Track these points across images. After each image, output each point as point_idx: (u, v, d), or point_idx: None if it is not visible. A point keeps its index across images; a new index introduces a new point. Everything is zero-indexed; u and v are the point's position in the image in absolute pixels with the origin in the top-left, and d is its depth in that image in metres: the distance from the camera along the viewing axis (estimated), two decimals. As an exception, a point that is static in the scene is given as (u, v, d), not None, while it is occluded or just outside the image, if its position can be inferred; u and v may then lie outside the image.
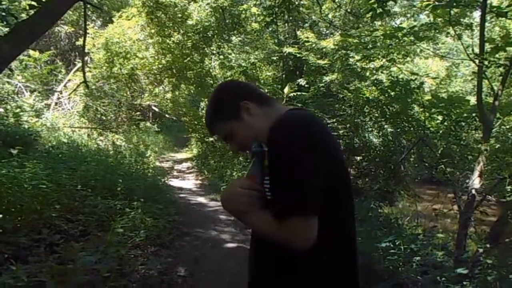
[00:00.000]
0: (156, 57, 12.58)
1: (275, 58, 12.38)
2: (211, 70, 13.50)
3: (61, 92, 13.46)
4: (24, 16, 8.63)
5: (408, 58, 11.17)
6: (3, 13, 5.50)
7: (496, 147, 6.57)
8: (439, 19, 6.54)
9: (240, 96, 1.41)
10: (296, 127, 1.24)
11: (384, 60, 8.99)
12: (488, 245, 4.40)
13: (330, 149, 1.28)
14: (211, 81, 13.20)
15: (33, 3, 3.39)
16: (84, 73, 6.05)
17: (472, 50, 5.55)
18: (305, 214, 1.18)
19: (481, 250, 4.25)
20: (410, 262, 3.82)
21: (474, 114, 6.01)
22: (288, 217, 1.19)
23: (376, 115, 8.96)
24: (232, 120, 1.39)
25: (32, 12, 3.83)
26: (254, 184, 1.30)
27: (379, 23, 10.40)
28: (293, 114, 1.34)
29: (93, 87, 12.89)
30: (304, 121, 1.29)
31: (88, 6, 5.75)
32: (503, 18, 5.63)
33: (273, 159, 1.24)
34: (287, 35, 12.48)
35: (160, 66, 12.71)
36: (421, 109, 6.82)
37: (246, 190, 1.30)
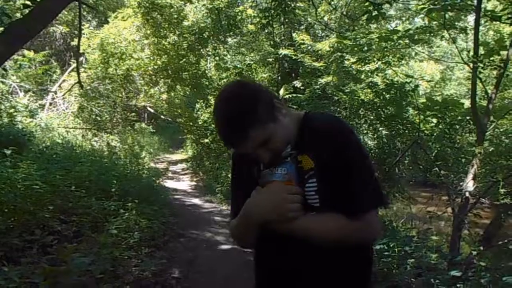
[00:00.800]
0: (151, 58, 12.54)
1: (270, 60, 12.40)
2: (206, 71, 13.50)
3: (55, 93, 13.37)
4: (18, 15, 8.58)
5: (403, 61, 11.21)
6: (-3, 13, 5.48)
7: (490, 150, 6.60)
8: (434, 23, 6.58)
9: (273, 95, 1.27)
10: (346, 126, 1.29)
11: (379, 62, 9.01)
12: (481, 248, 4.42)
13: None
14: (207, 82, 13.20)
15: (27, 2, 3.37)
16: (78, 74, 6.02)
17: (467, 53, 5.58)
18: (378, 206, 1.27)
19: (474, 253, 4.27)
20: (404, 264, 3.83)
21: (468, 117, 6.06)
22: (366, 212, 1.21)
23: (371, 117, 8.99)
24: (271, 122, 1.20)
25: (26, 11, 3.81)
26: (299, 189, 1.23)
27: (375, 25, 10.44)
28: (331, 115, 1.45)
29: (88, 87, 12.81)
30: (343, 120, 1.40)
31: (84, 6, 5.74)
32: (497, 22, 5.68)
33: (336, 161, 1.19)
34: (282, 37, 12.50)
35: (156, 67, 12.68)
36: (415, 112, 6.85)
37: (294, 195, 1.21)
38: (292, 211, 1.20)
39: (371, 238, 1.28)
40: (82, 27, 5.38)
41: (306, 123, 1.30)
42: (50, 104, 12.96)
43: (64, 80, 13.44)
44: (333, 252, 1.22)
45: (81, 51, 10.42)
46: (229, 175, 9.42)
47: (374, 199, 1.24)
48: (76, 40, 13.49)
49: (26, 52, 12.14)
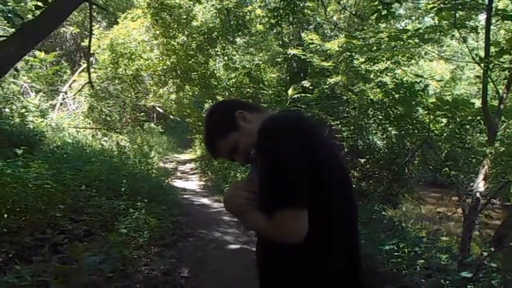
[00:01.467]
0: (160, 58, 12.61)
1: (279, 59, 12.40)
2: (215, 72, 13.52)
3: (66, 93, 13.51)
4: (30, 17, 8.69)
5: (413, 61, 11.16)
6: (9, 14, 5.55)
7: (501, 150, 6.53)
8: (444, 22, 6.52)
9: (233, 108, 1.48)
10: (270, 127, 1.31)
11: (388, 62, 8.97)
12: (492, 249, 4.37)
13: (308, 150, 1.27)
14: (216, 83, 13.23)
15: (39, 3, 3.41)
16: (89, 74, 6.08)
17: (477, 53, 5.52)
18: (292, 206, 1.23)
19: (485, 254, 4.22)
20: (414, 265, 3.81)
21: (478, 117, 5.99)
22: (276, 211, 1.24)
23: (380, 117, 8.94)
24: (232, 132, 1.44)
25: (38, 12, 3.85)
26: (252, 186, 1.37)
27: (384, 25, 10.38)
28: (278, 116, 1.46)
29: (98, 87, 12.93)
30: (286, 120, 1.35)
31: (94, 7, 5.78)
32: (509, 21, 5.62)
33: (259, 159, 1.31)
34: (291, 37, 12.48)
35: (165, 67, 12.74)
36: (425, 112, 6.80)
37: (244, 191, 1.38)
38: (239, 205, 1.38)
39: (283, 237, 1.26)
40: (92, 28, 5.43)
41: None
42: (61, 104, 13.10)
43: (74, 81, 13.57)
44: (272, 249, 1.34)
45: (91, 51, 10.51)
46: (237, 175, 9.46)
47: (283, 200, 1.23)
48: (86, 40, 13.64)
49: (37, 52, 12.28)
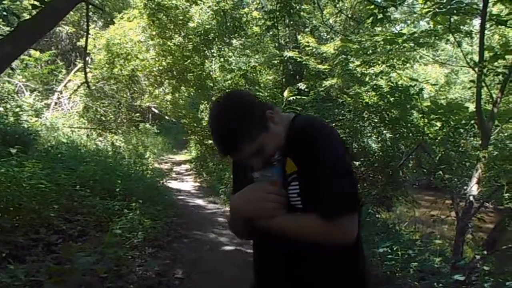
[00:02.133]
0: (156, 59, 12.59)
1: (275, 62, 12.41)
2: (211, 73, 13.52)
3: (61, 92, 13.46)
4: (25, 15, 8.65)
5: (408, 64, 11.22)
6: (4, 13, 5.52)
7: (494, 154, 6.57)
8: (439, 26, 6.58)
9: (264, 106, 1.34)
10: (321, 130, 1.30)
11: (384, 65, 9.02)
12: (485, 252, 4.40)
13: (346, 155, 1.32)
14: (211, 84, 13.22)
15: (36, 3, 3.40)
16: (85, 74, 6.06)
17: (471, 57, 5.58)
18: (352, 211, 1.24)
19: (478, 257, 4.26)
20: (408, 267, 3.83)
21: (472, 121, 6.03)
22: (339, 215, 1.22)
23: (375, 120, 8.98)
24: (261, 134, 1.28)
25: (34, 12, 3.84)
26: (281, 190, 1.30)
27: (380, 29, 10.45)
28: (316, 117, 1.44)
29: (93, 87, 12.89)
30: (328, 126, 1.37)
31: (90, 6, 5.77)
32: (503, 26, 5.67)
33: (310, 163, 1.24)
34: (287, 39, 12.53)
35: (161, 68, 12.73)
36: (420, 115, 6.84)
37: (273, 195, 1.30)
38: (268, 209, 1.29)
39: (341, 242, 1.26)
40: (89, 28, 5.43)
41: (291, 127, 1.35)
42: (56, 103, 13.05)
43: (69, 80, 13.53)
44: (318, 252, 1.27)
45: (87, 51, 10.48)
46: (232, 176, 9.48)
47: (342, 206, 1.23)
48: (81, 40, 13.62)
49: (32, 51, 12.24)
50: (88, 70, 11.58)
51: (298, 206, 1.29)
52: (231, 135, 1.26)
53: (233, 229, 1.57)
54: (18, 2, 12.88)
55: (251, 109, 1.29)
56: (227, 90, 12.28)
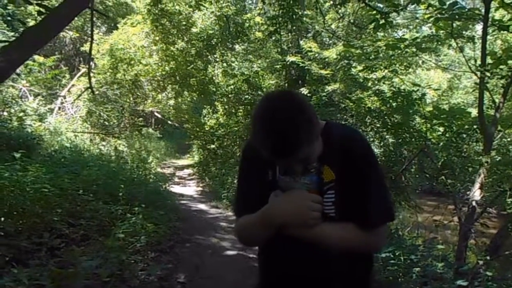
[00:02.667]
0: (159, 64, 12.66)
1: (278, 66, 12.44)
2: (214, 78, 13.58)
3: (64, 97, 13.52)
4: (29, 21, 8.72)
5: (410, 69, 11.22)
6: (9, 18, 5.59)
7: (497, 159, 6.56)
8: (441, 31, 6.59)
9: (315, 112, 1.26)
10: (365, 140, 1.37)
11: (386, 71, 9.03)
12: (488, 258, 4.39)
13: None
14: (214, 89, 13.27)
15: (41, 9, 3.44)
16: (90, 79, 6.11)
17: (474, 62, 5.58)
18: (389, 221, 1.32)
19: (481, 262, 4.24)
20: (410, 273, 3.82)
21: (475, 126, 6.03)
22: (381, 224, 1.30)
23: (378, 125, 8.98)
24: (315, 141, 1.22)
25: (39, 17, 3.88)
26: (321, 199, 1.28)
27: (382, 34, 10.46)
28: (350, 127, 1.54)
29: (97, 92, 12.94)
30: (362, 133, 1.45)
31: (94, 12, 5.82)
32: (505, 32, 5.68)
33: (356, 174, 1.25)
34: (290, 45, 12.54)
35: (164, 72, 12.79)
36: (422, 120, 6.84)
37: (318, 204, 1.26)
38: (313, 218, 1.25)
39: (377, 249, 1.39)
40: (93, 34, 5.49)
41: (327, 134, 1.31)
42: (59, 108, 13.10)
43: (73, 85, 13.59)
44: (340, 259, 1.26)
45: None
46: (235, 181, 9.42)
47: (387, 214, 1.31)
48: (85, 45, 13.71)
49: (36, 57, 12.29)
50: (91, 75, 11.66)
51: (331, 215, 1.27)
52: (290, 139, 1.14)
53: (248, 236, 1.46)
54: (22, 8, 13.00)
55: (311, 113, 1.20)
56: (229, 95, 12.32)
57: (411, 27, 14.37)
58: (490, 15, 5.23)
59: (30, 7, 10.20)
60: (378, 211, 1.27)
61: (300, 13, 8.26)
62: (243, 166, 1.50)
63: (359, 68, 9.04)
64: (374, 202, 1.26)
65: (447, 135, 6.40)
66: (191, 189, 11.47)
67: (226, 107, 12.72)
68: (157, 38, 12.21)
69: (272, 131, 1.16)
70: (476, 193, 4.95)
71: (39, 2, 3.39)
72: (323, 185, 1.28)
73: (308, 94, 10.86)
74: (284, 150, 1.16)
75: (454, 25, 5.83)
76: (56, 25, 3.81)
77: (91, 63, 13.45)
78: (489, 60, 5.18)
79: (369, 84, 9.85)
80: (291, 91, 1.34)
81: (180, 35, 12.10)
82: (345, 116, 10.27)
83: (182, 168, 15.77)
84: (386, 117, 8.10)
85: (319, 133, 1.24)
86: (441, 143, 6.72)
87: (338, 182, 1.27)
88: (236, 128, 12.21)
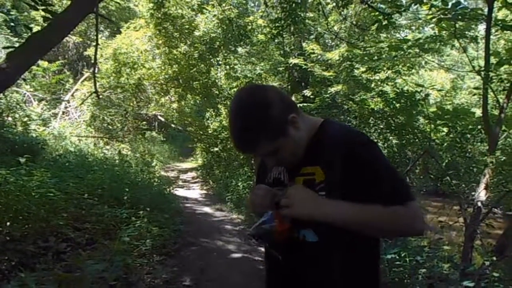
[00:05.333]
0: (162, 68, 12.69)
1: (281, 69, 12.47)
2: (217, 81, 13.60)
3: (68, 102, 13.58)
4: (33, 26, 8.76)
5: (413, 70, 11.19)
6: (12, 23, 5.63)
7: (502, 159, 6.54)
8: (444, 32, 6.59)
9: (288, 109, 1.27)
10: (362, 137, 1.31)
11: (389, 71, 9.02)
12: (494, 258, 4.37)
13: None
14: (217, 92, 13.29)
15: (47, 15, 3.47)
16: (95, 83, 6.14)
17: (477, 63, 5.58)
18: (415, 199, 1.22)
19: (487, 263, 4.22)
20: (416, 274, 3.81)
21: (479, 127, 6.02)
22: (410, 200, 1.19)
23: (381, 126, 8.97)
24: (281, 137, 1.24)
25: (43, 22, 3.91)
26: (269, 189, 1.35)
27: (385, 35, 10.46)
28: (347, 126, 1.52)
29: (100, 96, 12.99)
30: (359, 131, 1.41)
31: (98, 17, 5.84)
32: (508, 32, 5.67)
33: (353, 173, 1.20)
34: (292, 47, 12.56)
35: (167, 76, 12.82)
36: (426, 121, 6.84)
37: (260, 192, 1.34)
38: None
39: (418, 229, 1.25)
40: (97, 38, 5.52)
41: (320, 134, 1.31)
42: (63, 112, 13.16)
43: (77, 89, 13.65)
44: (343, 253, 1.24)
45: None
46: (239, 184, 9.43)
47: (406, 194, 1.21)
48: (89, 50, 13.77)
49: (40, 62, 12.36)
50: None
51: None
52: (249, 134, 1.23)
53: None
54: (26, 13, 13.08)
55: (272, 109, 1.23)
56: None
57: (413, 27, 14.35)
58: (493, 15, 5.23)
59: (33, 13, 10.28)
60: (401, 190, 1.21)
61: (302, 15, 8.27)
62: (257, 169, 1.62)
63: (362, 69, 9.05)
64: (393, 185, 1.20)
65: (451, 135, 6.40)
66: (195, 192, 11.48)
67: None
68: (160, 41, 12.25)
69: (232, 127, 1.26)
70: (481, 194, 4.94)
71: (45, 8, 3.41)
72: (314, 186, 1.25)
73: (311, 96, 10.88)
74: (242, 146, 1.28)
75: (457, 25, 5.83)
76: (61, 30, 3.84)
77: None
78: (492, 60, 5.18)
79: (372, 85, 9.84)
80: (258, 86, 1.39)
81: (183, 39, 12.13)
82: (348, 118, 10.27)
83: (186, 171, 15.80)
84: (389, 118, 8.10)
85: (287, 130, 1.25)
86: (445, 144, 6.72)
87: (329, 183, 1.23)
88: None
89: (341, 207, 1.19)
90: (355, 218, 1.19)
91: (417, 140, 7.41)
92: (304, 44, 11.61)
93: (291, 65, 11.26)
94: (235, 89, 12.42)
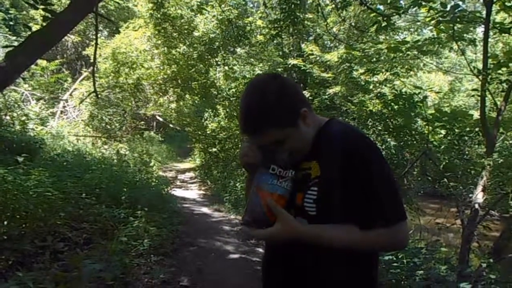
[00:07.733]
0: (161, 68, 12.71)
1: (279, 70, 12.47)
2: (215, 81, 13.61)
3: (66, 101, 13.58)
4: (32, 24, 8.75)
5: (412, 72, 11.24)
6: (11, 22, 5.63)
7: (499, 162, 6.55)
8: (443, 34, 6.60)
9: (302, 102, 1.29)
10: (364, 138, 1.31)
11: (387, 73, 9.05)
12: (491, 260, 4.38)
13: None
14: (216, 92, 13.31)
15: (46, 14, 3.47)
16: (94, 83, 6.13)
17: (475, 65, 5.59)
18: (405, 219, 1.25)
19: (484, 265, 4.24)
20: (413, 276, 3.82)
21: (477, 129, 6.03)
22: (395, 223, 1.22)
23: (380, 128, 8.98)
24: (289, 127, 1.25)
25: (43, 21, 3.91)
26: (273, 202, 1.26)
27: (383, 37, 10.49)
28: (352, 126, 1.45)
29: (99, 96, 12.99)
30: (362, 132, 1.39)
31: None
32: (506, 34, 5.69)
33: (354, 172, 1.20)
34: (291, 48, 12.59)
35: (165, 76, 12.84)
36: (424, 123, 6.83)
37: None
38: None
39: (400, 247, 1.32)
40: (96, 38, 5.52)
41: (323, 131, 1.33)
42: (61, 112, 13.16)
43: (75, 89, 13.64)
44: (341, 257, 1.25)
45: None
46: (237, 184, 9.40)
47: (402, 212, 1.25)
48: (87, 49, 13.77)
49: (39, 61, 12.36)
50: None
51: (311, 213, 1.25)
52: (257, 115, 1.22)
53: None
54: (24, 13, 13.06)
55: (287, 98, 1.25)
56: (231, 98, 12.31)
57: (412, 29, 14.40)
58: (492, 17, 5.24)
59: (32, 12, 10.27)
60: (393, 209, 1.23)
61: (301, 16, 8.29)
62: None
63: (361, 71, 9.07)
64: (387, 201, 1.22)
65: (449, 137, 6.40)
66: (193, 192, 11.47)
67: (228, 110, 12.74)
68: (159, 42, 12.26)
69: (241, 107, 1.26)
70: (478, 196, 4.96)
71: (45, 7, 3.41)
72: (308, 181, 1.26)
73: (310, 97, 10.88)
74: (246, 126, 1.26)
75: (456, 27, 5.84)
76: (61, 29, 3.83)
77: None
78: (490, 62, 5.19)
79: (371, 87, 9.87)
80: (277, 76, 1.33)
81: (182, 39, 12.15)
82: (346, 119, 10.28)
83: (184, 171, 15.78)
84: (387, 120, 8.10)
85: (298, 122, 1.25)
86: (443, 146, 6.71)
87: (322, 179, 1.24)
88: (237, 131, 12.22)
89: (321, 240, 1.22)
90: (336, 245, 1.23)
91: (415, 142, 7.41)
92: (303, 45, 11.62)
93: (290, 66, 11.27)
94: (233, 90, 12.43)
